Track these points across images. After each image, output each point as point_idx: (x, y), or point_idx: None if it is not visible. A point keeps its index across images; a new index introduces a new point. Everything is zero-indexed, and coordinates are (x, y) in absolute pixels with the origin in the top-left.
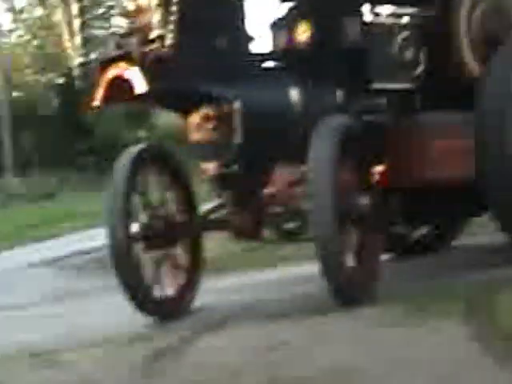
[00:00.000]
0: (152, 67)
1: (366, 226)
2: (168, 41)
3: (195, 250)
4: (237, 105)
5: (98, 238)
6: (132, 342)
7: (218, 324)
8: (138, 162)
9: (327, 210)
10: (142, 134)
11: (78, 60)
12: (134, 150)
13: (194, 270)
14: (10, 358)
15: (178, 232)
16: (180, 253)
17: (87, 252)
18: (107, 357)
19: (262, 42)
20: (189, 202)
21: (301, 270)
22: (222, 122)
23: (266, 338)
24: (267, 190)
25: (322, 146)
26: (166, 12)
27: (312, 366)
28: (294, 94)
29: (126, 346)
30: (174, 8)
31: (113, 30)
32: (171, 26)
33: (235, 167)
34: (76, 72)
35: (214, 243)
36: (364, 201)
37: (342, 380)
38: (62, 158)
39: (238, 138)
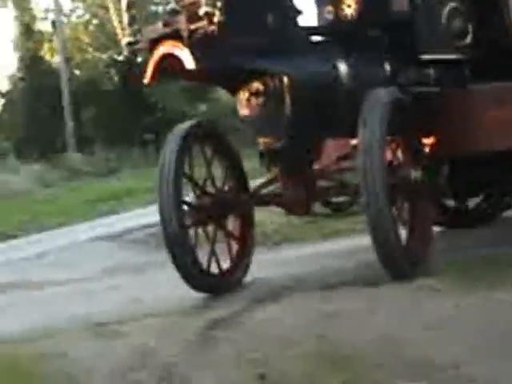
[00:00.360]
0: (200, 45)
1: (417, 198)
2: (216, 18)
3: (246, 225)
4: (286, 79)
5: None
6: (188, 314)
7: (272, 295)
8: (188, 139)
9: (378, 183)
10: (203, 108)
11: (126, 39)
12: (184, 126)
13: (246, 245)
14: (73, 329)
15: (229, 207)
16: (231, 228)
17: (149, 227)
18: (165, 328)
19: (308, 15)
20: (238, 177)
21: (353, 243)
22: (272, 96)
23: (320, 308)
24: (317, 164)
25: (371, 119)
26: None
27: (364, 335)
28: (343, 67)
29: (183, 318)
30: None
31: (161, 7)
32: (219, 3)
33: (285, 142)
34: (125, 51)
35: (267, 217)
36: (414, 173)
37: (393, 349)
38: (123, 134)
39: (287, 113)
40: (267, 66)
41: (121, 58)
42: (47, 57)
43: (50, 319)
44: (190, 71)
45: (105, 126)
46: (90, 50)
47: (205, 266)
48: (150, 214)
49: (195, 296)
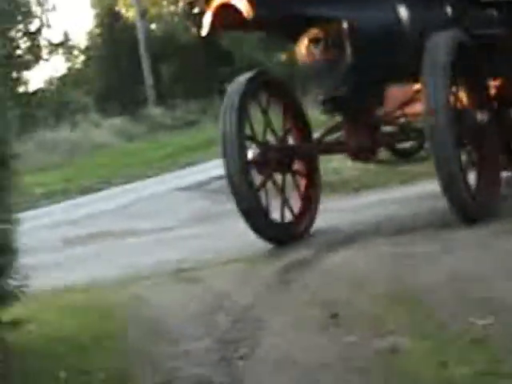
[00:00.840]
0: None
1: (485, 141)
2: None
3: (311, 174)
4: (345, 24)
5: None
6: (264, 260)
7: (346, 240)
8: (251, 88)
9: (445, 128)
10: (280, 57)
11: None
12: (247, 76)
13: (312, 194)
14: (157, 276)
15: (294, 156)
16: (296, 177)
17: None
18: (242, 273)
19: None
20: (302, 127)
21: (422, 188)
22: (332, 43)
23: (393, 250)
24: (380, 110)
25: (435, 62)
26: None
27: (436, 276)
28: (403, 10)
29: (259, 264)
30: None
31: None
32: None
33: (348, 88)
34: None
35: (345, 164)
36: (481, 116)
37: (463, 288)
38: (202, 86)
39: (348, 59)
40: (328, 12)
41: (196, 9)
42: (123, 12)
43: (135, 266)
44: (246, 21)
45: (184, 78)
46: (165, 3)
47: (273, 217)
48: None
49: (260, 247)
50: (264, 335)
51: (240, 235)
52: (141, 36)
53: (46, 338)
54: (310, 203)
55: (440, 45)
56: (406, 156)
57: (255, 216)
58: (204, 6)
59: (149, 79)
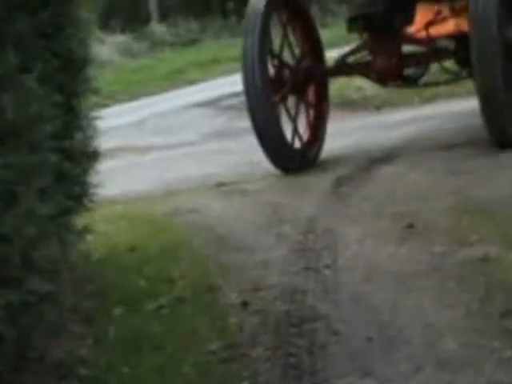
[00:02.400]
0: None
1: None
2: None
3: (322, 100)
4: None
5: None
6: (311, 173)
7: (389, 155)
8: (271, 6)
9: (491, 35)
10: None
11: None
12: None
13: (321, 118)
14: (197, 188)
15: (308, 77)
16: (307, 102)
17: (240, 94)
18: (293, 186)
19: None
20: (317, 48)
21: (448, 107)
22: None
23: (448, 165)
24: (409, 30)
25: None
26: None
27: (496, 190)
28: None
29: (307, 176)
30: None
31: None
32: None
33: (379, 4)
34: None
35: (366, 82)
36: None
37: None
38: (204, 4)
39: None
40: None
41: None
42: None
43: (169, 180)
44: None
45: None
46: None
47: (288, 140)
48: (238, 82)
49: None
50: (342, 245)
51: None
52: None
53: (113, 249)
54: (319, 130)
55: None
56: (409, 82)
57: (273, 140)
58: None
59: None
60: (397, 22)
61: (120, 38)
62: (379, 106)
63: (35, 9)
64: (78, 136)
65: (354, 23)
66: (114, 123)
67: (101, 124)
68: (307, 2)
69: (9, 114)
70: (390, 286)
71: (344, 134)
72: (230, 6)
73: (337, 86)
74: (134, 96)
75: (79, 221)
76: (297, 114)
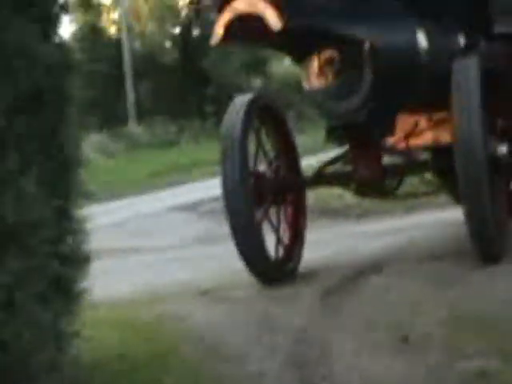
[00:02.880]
0: (288, 1)
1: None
2: None
3: (300, 208)
4: (368, 46)
5: None
6: (298, 283)
7: (375, 265)
8: (251, 113)
9: (478, 154)
10: (258, 82)
11: None
12: (245, 99)
13: (299, 229)
14: (178, 295)
15: (285, 188)
16: (287, 209)
17: (217, 199)
18: (282, 295)
19: None
20: (293, 157)
21: (433, 216)
22: (349, 64)
23: (438, 275)
24: (390, 139)
25: (466, 85)
26: None
27: (488, 301)
28: (421, 36)
29: (295, 286)
30: None
31: None
32: None
33: (361, 114)
34: (185, 11)
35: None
36: (501, 148)
37: None
38: (182, 106)
39: (366, 82)
40: (351, 29)
41: (178, 30)
42: (106, 28)
43: (154, 284)
44: (264, 34)
45: (164, 98)
46: (150, 22)
47: (267, 252)
48: (217, 186)
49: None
50: (337, 357)
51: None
52: (126, 52)
53: (100, 355)
54: (298, 239)
55: (471, 67)
56: (386, 193)
57: (253, 251)
58: (215, 11)
59: (131, 96)
60: (377, 133)
61: (97, 137)
62: (361, 215)
63: (33, 112)
64: (71, 240)
65: (333, 133)
66: (92, 224)
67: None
68: (284, 110)
69: (9, 219)
70: None
71: (326, 243)
72: (208, 108)
73: (318, 194)
74: (111, 197)
75: (69, 325)
76: (278, 224)
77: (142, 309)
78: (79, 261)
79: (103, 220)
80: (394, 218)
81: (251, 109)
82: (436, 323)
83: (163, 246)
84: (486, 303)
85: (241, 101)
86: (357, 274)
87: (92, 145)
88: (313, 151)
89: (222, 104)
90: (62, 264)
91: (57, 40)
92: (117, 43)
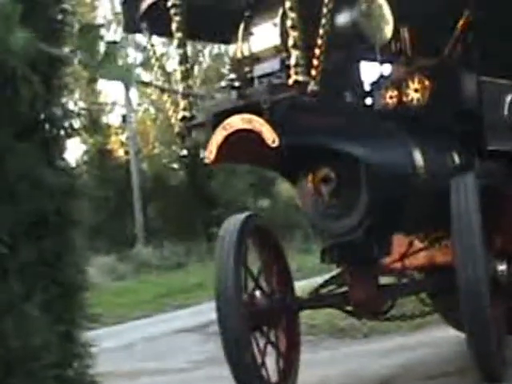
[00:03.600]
0: (282, 119)
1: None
2: (310, 87)
3: (294, 330)
4: (364, 164)
5: None
6: None
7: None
8: (244, 235)
9: (481, 279)
10: (265, 202)
11: (180, 113)
12: (238, 221)
13: (294, 354)
14: None
15: (278, 310)
16: (280, 333)
17: None
18: None
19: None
20: (286, 279)
21: (443, 334)
22: (345, 183)
23: None
24: (386, 260)
25: (466, 202)
26: (308, 55)
27: None
28: (417, 154)
29: None
30: (318, 51)
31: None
32: (314, 71)
33: (357, 234)
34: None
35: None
36: (501, 267)
37: None
38: (189, 228)
39: (363, 201)
40: (350, 149)
41: (184, 152)
42: (115, 150)
43: None
44: (258, 154)
45: (172, 220)
46: (157, 144)
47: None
48: None
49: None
50: None
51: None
52: (134, 174)
53: None
54: (292, 365)
55: (470, 185)
56: (380, 315)
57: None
58: (208, 129)
59: (139, 219)
60: (374, 253)
61: (105, 260)
62: (367, 334)
63: (37, 237)
64: (76, 365)
65: (328, 253)
66: (100, 347)
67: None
68: (275, 232)
69: (12, 344)
70: None
71: (334, 362)
72: (214, 230)
73: (324, 314)
74: (119, 319)
75: None
76: (265, 348)
77: None
78: None
79: (111, 343)
80: (400, 336)
81: (244, 232)
82: None
83: (172, 368)
84: None
85: (232, 225)
86: None
87: (100, 267)
88: (320, 272)
89: None
90: None
91: (61, 164)
92: (125, 165)
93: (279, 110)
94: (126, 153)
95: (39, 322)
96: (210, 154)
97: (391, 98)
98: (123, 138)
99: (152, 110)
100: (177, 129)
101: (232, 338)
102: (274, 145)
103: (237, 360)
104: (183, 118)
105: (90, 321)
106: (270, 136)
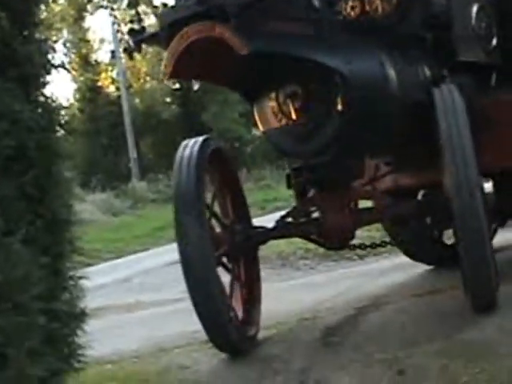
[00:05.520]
0: (253, 24)
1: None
2: None
3: (256, 263)
4: (338, 78)
5: None
6: (299, 324)
7: (378, 301)
8: (203, 159)
9: (477, 202)
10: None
11: (129, 26)
12: (196, 144)
13: (255, 291)
14: (188, 345)
15: (240, 242)
16: (242, 266)
17: None
18: (283, 338)
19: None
20: (243, 211)
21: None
22: (315, 99)
23: (436, 308)
24: (357, 183)
25: (455, 116)
26: None
27: (483, 331)
28: (389, 67)
29: (296, 328)
30: None
31: None
32: None
33: (331, 155)
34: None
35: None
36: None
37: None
38: None
39: (335, 118)
40: (323, 59)
41: (177, 85)
42: (106, 87)
43: (159, 337)
44: (219, 69)
45: (166, 153)
46: (148, 79)
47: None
48: None
49: (296, 307)
50: None
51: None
52: (125, 110)
53: None
54: (253, 301)
55: (455, 98)
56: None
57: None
58: (162, 43)
59: (133, 154)
60: (347, 175)
61: (101, 196)
62: (363, 256)
63: (20, 172)
64: (65, 297)
65: (296, 177)
66: (99, 282)
67: (86, 283)
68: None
69: None
70: None
71: (331, 283)
72: None
73: None
74: (117, 254)
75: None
76: (232, 288)
77: (148, 361)
78: (74, 317)
79: (109, 277)
80: (396, 257)
81: (203, 156)
82: (432, 355)
83: (168, 299)
84: (481, 333)
85: (191, 147)
86: (358, 312)
87: (96, 203)
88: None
89: None
90: (55, 321)
91: (41, 100)
92: (116, 101)
93: (247, 15)
94: (117, 89)
95: (21, 255)
96: (166, 67)
97: (353, 8)
98: (114, 74)
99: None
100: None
101: (199, 274)
102: (244, 52)
103: (204, 296)
104: (131, 31)
105: (80, 254)
106: (239, 43)
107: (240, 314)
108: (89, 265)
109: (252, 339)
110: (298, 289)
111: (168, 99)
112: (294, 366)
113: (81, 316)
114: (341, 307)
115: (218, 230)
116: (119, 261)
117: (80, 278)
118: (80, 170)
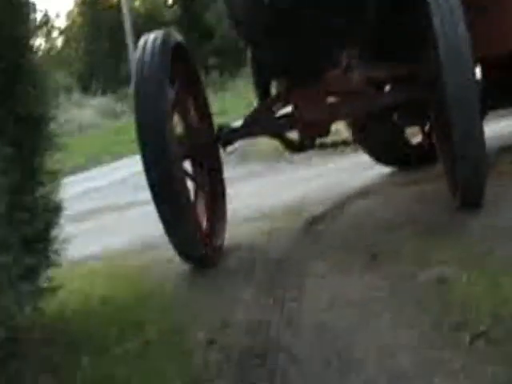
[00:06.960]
0: None
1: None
2: None
3: (219, 165)
4: None
5: None
6: (283, 217)
7: (365, 191)
8: (167, 52)
9: (471, 83)
10: None
11: None
12: (158, 36)
13: (219, 201)
14: None
15: (204, 143)
16: (204, 175)
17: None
18: (268, 230)
19: None
20: (205, 111)
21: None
22: None
23: (418, 197)
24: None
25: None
26: None
27: (458, 215)
28: None
29: (282, 219)
30: None
31: None
32: None
33: (301, 41)
34: None
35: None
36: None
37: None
38: None
39: None
40: None
41: None
42: None
43: (148, 234)
44: None
45: None
46: None
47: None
48: None
49: (283, 203)
50: (308, 280)
51: (250, 199)
52: (125, 12)
53: (85, 304)
54: (218, 212)
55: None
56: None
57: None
58: None
59: (133, 56)
60: (321, 65)
61: (101, 101)
62: (357, 149)
63: None
64: (40, 191)
65: (272, 72)
66: (96, 184)
67: (86, 186)
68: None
69: None
70: (350, 313)
71: (324, 175)
72: (212, 61)
73: None
74: (116, 157)
75: (44, 277)
76: (196, 197)
77: (135, 257)
78: (49, 211)
79: (106, 180)
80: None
81: (166, 49)
82: (405, 239)
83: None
84: (456, 217)
85: (153, 38)
86: (344, 202)
87: (97, 108)
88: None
89: (225, 57)
90: (29, 214)
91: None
92: (116, 4)
93: None
94: None
95: None
96: None
97: None
98: None
99: None
100: None
101: (164, 176)
102: None
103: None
104: None
105: (59, 149)
106: None
107: (204, 223)
108: (88, 169)
109: (219, 249)
110: (291, 183)
111: (170, 0)
112: (273, 255)
113: (55, 210)
114: (331, 197)
115: (183, 129)
116: (117, 163)
117: (55, 172)
118: (80, 75)
